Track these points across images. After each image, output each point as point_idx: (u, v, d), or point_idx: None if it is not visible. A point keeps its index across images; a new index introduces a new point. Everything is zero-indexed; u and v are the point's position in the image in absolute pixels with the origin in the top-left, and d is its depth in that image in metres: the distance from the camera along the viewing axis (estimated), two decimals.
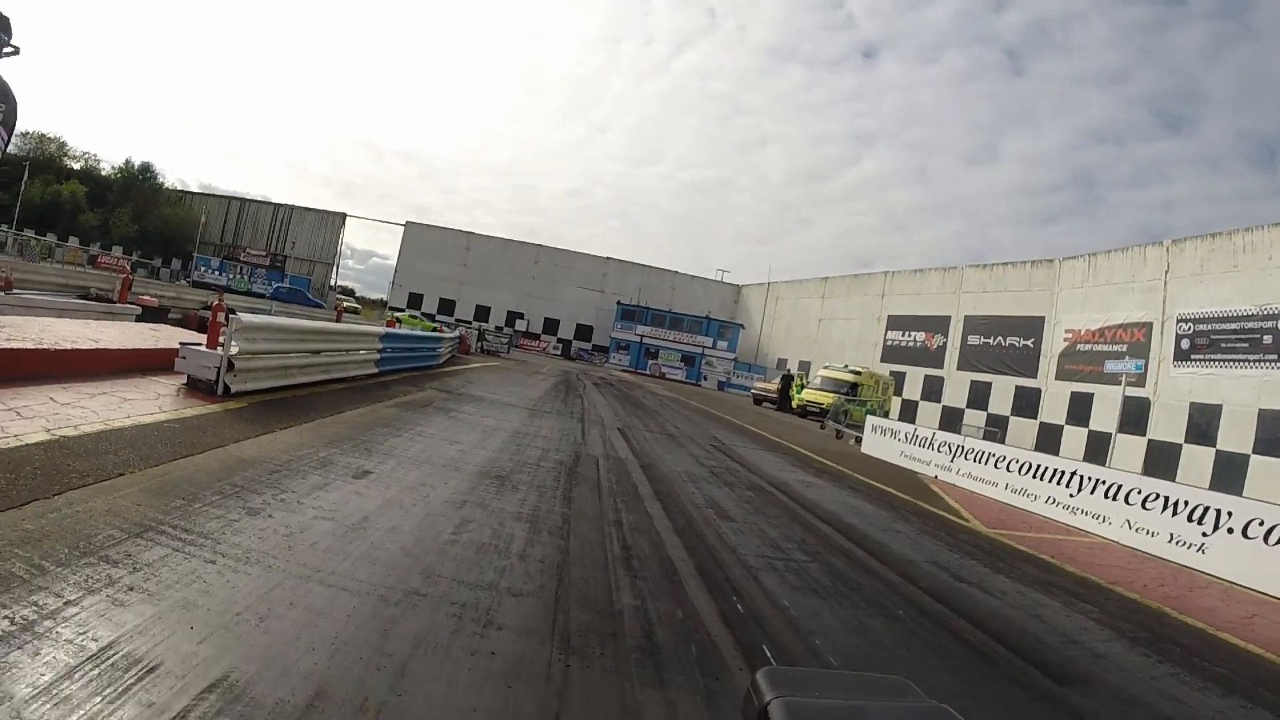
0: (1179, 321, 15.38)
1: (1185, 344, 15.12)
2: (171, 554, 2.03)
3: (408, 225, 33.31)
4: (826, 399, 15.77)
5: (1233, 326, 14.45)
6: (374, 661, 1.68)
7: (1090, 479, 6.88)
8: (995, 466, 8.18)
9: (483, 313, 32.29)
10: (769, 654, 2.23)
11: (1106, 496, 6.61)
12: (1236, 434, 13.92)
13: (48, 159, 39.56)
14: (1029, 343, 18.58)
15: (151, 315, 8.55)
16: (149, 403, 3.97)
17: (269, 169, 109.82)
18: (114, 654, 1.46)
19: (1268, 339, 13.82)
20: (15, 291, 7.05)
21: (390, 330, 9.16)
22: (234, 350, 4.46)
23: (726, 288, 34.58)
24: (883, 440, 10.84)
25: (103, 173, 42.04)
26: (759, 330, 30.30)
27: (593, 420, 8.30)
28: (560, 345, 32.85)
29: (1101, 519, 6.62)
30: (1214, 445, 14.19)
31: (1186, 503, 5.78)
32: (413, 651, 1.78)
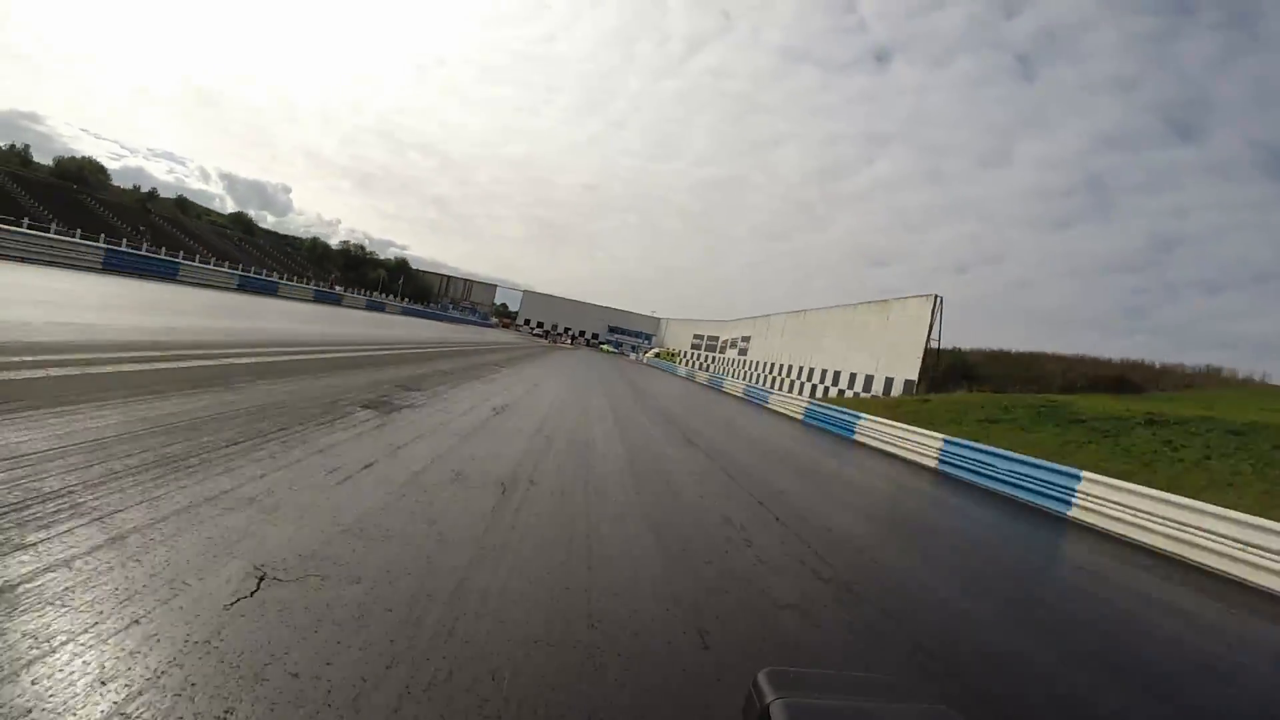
0: (695, 336, 61.47)
1: (700, 343, 61.04)
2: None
3: (525, 293, 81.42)
4: (650, 355, 62.69)
5: (709, 339, 60.71)
6: (567, 368, 49.00)
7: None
8: (654, 360, 55.46)
9: (555, 327, 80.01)
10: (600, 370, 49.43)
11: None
12: (699, 373, 60.34)
13: (360, 253, 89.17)
14: (713, 345, 64.62)
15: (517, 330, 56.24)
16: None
17: (289, 158, 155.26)
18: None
19: (716, 346, 60.17)
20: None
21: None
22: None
23: (655, 320, 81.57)
24: (635, 355, 58.01)
25: (380, 258, 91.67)
26: (663, 337, 77.25)
27: (587, 355, 55.67)
28: (585, 342, 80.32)
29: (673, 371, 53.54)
30: (706, 373, 60.54)
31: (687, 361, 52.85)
32: (566, 365, 49.01)
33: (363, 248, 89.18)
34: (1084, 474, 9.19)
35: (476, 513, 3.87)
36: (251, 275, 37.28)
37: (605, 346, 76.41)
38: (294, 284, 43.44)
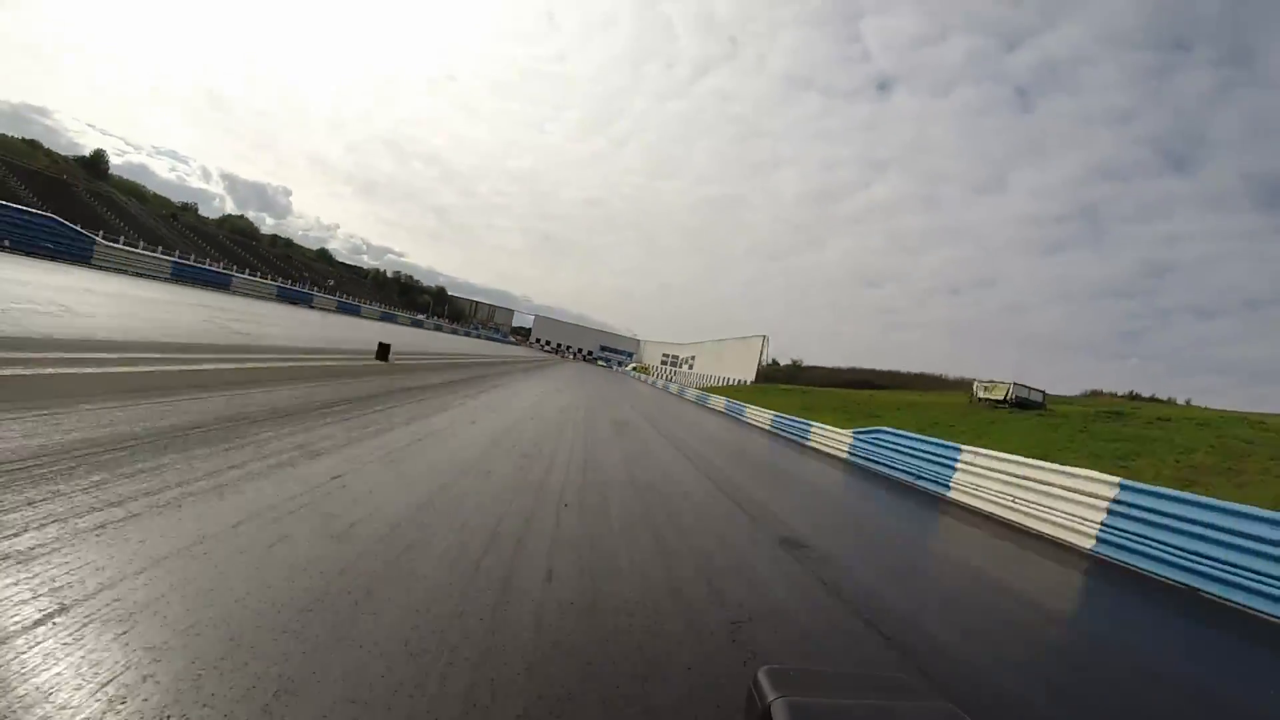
0: (663, 355, 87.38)
1: (666, 360, 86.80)
2: (560, 366, 75.27)
3: (537, 317, 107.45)
4: (629, 368, 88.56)
5: (671, 357, 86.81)
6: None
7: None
8: (639, 373, 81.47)
9: (560, 345, 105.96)
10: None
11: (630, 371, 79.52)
12: (659, 381, 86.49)
13: (409, 281, 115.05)
14: (674, 361, 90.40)
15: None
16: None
17: (292, 162, 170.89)
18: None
19: (675, 362, 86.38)
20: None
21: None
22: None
23: (635, 340, 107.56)
24: (619, 369, 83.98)
25: (423, 284, 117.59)
26: (642, 355, 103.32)
27: (586, 366, 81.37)
28: (583, 358, 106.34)
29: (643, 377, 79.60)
30: (665, 382, 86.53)
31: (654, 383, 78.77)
32: (581, 369, 74.77)
33: (411, 277, 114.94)
34: (813, 423, 34.92)
35: (576, 376, 29.75)
36: (346, 301, 62.96)
37: (600, 362, 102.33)
38: (371, 305, 69.05)
